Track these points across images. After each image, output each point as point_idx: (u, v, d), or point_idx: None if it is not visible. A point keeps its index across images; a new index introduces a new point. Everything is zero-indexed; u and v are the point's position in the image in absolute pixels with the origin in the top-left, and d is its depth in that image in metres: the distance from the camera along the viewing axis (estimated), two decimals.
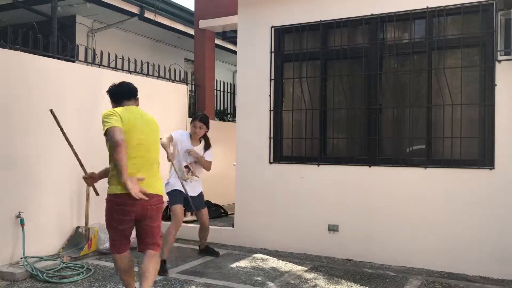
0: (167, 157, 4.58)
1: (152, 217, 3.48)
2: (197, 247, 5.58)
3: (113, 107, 3.61)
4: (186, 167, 5.07)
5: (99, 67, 6.30)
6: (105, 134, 3.28)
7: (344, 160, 5.48)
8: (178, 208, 4.93)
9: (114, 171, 3.35)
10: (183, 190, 4.81)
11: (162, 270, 4.53)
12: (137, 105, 3.78)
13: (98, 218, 5.65)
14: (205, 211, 5.25)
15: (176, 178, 4.89)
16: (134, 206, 3.32)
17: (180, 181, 4.77)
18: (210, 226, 5.45)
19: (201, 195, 5.24)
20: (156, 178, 3.54)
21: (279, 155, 5.86)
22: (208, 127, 5.19)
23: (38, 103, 5.10)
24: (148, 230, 3.49)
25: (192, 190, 5.01)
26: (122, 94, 3.67)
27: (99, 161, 5.80)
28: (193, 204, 4.90)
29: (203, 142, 5.21)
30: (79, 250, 5.27)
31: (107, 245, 5.32)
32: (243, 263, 5.11)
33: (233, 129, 6.17)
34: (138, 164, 3.39)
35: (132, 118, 3.46)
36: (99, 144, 5.80)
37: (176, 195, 4.95)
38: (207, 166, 5.18)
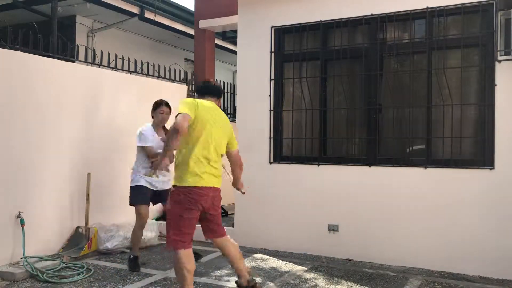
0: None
1: (216, 206, 3.76)
2: (195, 247, 5.52)
3: None
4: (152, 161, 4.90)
5: (99, 67, 6.30)
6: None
7: (344, 160, 5.48)
8: (143, 208, 4.83)
9: (182, 164, 3.55)
10: (150, 186, 4.81)
11: (135, 266, 4.74)
12: (218, 105, 4.00)
13: (98, 218, 5.66)
14: None
15: (140, 173, 4.84)
16: (205, 196, 3.56)
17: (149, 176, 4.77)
18: None
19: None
20: (220, 173, 3.77)
21: (279, 155, 5.86)
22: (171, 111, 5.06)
23: (38, 103, 5.10)
24: (213, 219, 3.78)
25: (158, 184, 4.91)
26: (206, 89, 3.95)
27: (99, 161, 5.84)
28: (163, 196, 4.80)
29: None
30: (79, 250, 5.27)
31: (107, 245, 5.33)
32: None
33: (233, 129, 6.16)
34: (204, 154, 3.58)
35: (209, 111, 3.68)
36: (100, 144, 5.84)
37: (142, 192, 4.84)
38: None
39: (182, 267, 3.47)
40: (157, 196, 4.95)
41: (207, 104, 3.73)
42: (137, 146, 4.91)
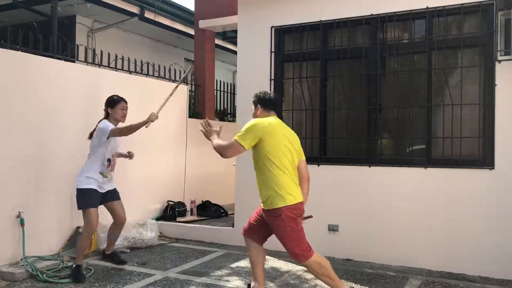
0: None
1: None
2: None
3: (257, 113, 3.75)
4: (108, 160, 4.60)
5: (99, 67, 6.30)
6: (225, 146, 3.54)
7: (344, 160, 5.48)
8: (94, 212, 4.45)
9: (272, 185, 3.47)
10: (99, 190, 4.52)
11: (79, 275, 4.36)
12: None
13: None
14: (120, 203, 4.78)
15: (95, 174, 4.50)
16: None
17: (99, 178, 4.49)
18: (210, 226, 5.40)
19: (116, 189, 4.79)
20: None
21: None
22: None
23: (38, 103, 5.10)
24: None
25: (107, 185, 4.65)
26: (272, 103, 3.79)
27: None
28: (108, 196, 4.62)
29: None
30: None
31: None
32: (243, 263, 5.11)
33: (233, 129, 6.16)
34: (288, 173, 3.52)
35: (285, 130, 3.65)
36: None
37: (93, 196, 4.47)
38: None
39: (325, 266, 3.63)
40: (102, 198, 4.63)
41: (280, 123, 3.70)
42: (94, 144, 4.55)
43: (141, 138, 6.46)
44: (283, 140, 3.54)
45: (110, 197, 4.67)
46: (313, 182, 5.57)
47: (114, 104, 4.67)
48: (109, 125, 4.50)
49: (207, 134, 3.71)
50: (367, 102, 5.39)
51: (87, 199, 4.45)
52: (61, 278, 4.43)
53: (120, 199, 4.77)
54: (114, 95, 4.75)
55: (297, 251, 3.48)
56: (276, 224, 3.48)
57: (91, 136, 4.69)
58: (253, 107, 3.81)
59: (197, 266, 5.02)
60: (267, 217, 3.57)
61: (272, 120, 3.60)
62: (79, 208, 4.51)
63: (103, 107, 4.75)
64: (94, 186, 4.48)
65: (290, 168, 3.53)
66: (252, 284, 3.79)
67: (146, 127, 4.50)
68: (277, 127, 3.56)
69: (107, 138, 4.50)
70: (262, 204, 3.61)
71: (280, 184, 3.45)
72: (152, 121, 4.54)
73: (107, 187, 4.65)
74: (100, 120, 4.68)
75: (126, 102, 4.75)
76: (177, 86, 4.90)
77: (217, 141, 3.61)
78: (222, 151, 3.52)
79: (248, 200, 5.96)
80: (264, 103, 3.74)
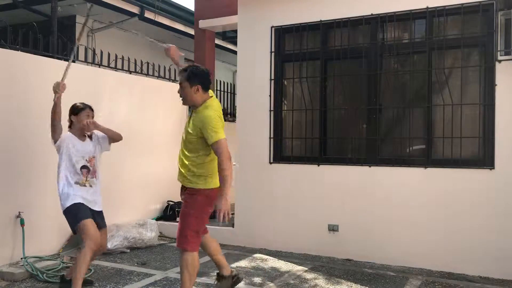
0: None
1: None
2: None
3: (196, 94, 3.53)
4: (84, 167, 4.04)
5: (99, 67, 6.29)
6: (215, 143, 3.39)
7: (344, 160, 5.48)
8: (90, 222, 3.87)
9: (203, 169, 3.53)
10: (86, 203, 3.97)
11: None
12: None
13: None
14: (105, 231, 4.20)
15: (72, 187, 3.95)
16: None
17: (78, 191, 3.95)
18: (210, 226, 5.39)
19: (102, 212, 4.19)
20: None
21: (279, 155, 5.86)
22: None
23: (38, 103, 5.09)
24: None
25: (94, 200, 4.08)
26: (208, 82, 3.60)
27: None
28: (94, 220, 3.96)
29: (90, 136, 4.24)
30: (79, 250, 5.25)
31: (107, 245, 5.31)
32: (243, 263, 5.10)
33: (233, 129, 6.17)
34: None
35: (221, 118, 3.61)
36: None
37: (81, 209, 3.91)
38: (117, 136, 4.29)
39: (195, 268, 3.55)
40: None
41: (219, 108, 3.65)
42: (60, 154, 4.04)
43: (141, 138, 6.48)
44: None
45: (97, 223, 4.00)
46: (313, 182, 5.63)
47: (77, 111, 4.14)
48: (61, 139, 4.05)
49: None
50: (367, 102, 5.39)
51: (77, 213, 3.88)
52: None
53: (106, 226, 4.20)
54: (78, 103, 4.22)
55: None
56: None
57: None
58: (186, 83, 3.50)
59: None
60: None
61: (219, 107, 3.63)
62: (73, 229, 3.96)
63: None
64: (80, 200, 3.94)
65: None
66: (218, 272, 3.96)
67: (54, 100, 4.05)
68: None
69: (55, 144, 4.08)
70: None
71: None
72: (57, 92, 4.04)
73: (93, 206, 4.05)
74: None
75: (92, 110, 4.22)
76: (79, 37, 4.40)
77: (226, 169, 3.40)
78: (228, 160, 3.42)
79: (248, 200, 5.97)
80: (205, 83, 3.53)
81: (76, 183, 3.98)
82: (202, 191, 3.54)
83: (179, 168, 3.66)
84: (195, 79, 3.50)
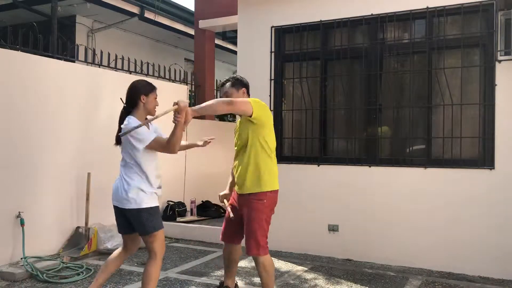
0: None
1: None
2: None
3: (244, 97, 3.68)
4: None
5: (99, 67, 6.30)
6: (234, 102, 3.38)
7: (344, 160, 5.48)
8: (163, 233, 3.51)
9: (273, 168, 3.52)
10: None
11: None
12: None
13: (98, 218, 5.65)
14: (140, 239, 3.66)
15: (152, 188, 3.45)
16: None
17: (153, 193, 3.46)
18: (210, 226, 5.38)
19: None
20: None
21: (279, 155, 5.84)
22: None
23: (38, 103, 5.10)
24: None
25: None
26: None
27: (99, 161, 5.83)
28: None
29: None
30: (79, 250, 5.27)
31: (107, 245, 5.32)
32: (243, 263, 5.10)
33: (233, 129, 6.16)
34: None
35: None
36: (100, 144, 5.84)
37: (159, 215, 3.53)
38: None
39: (272, 266, 3.65)
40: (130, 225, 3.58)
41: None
42: (137, 150, 3.53)
43: None
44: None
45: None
46: (313, 182, 5.62)
47: (149, 91, 3.60)
48: (133, 127, 3.46)
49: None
50: (367, 102, 5.39)
51: (158, 218, 3.44)
52: (61, 278, 4.43)
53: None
54: (143, 80, 3.67)
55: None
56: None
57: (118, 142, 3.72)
58: (233, 90, 3.65)
59: (197, 266, 5.02)
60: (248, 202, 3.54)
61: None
62: (149, 232, 3.36)
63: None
64: (156, 204, 3.47)
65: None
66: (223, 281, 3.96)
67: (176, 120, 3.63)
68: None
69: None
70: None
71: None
72: (181, 109, 3.49)
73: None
74: (124, 116, 3.64)
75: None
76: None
77: (213, 103, 3.43)
78: (225, 104, 3.39)
79: None
80: (248, 88, 3.79)
81: (159, 187, 3.53)
82: (268, 195, 3.49)
83: (241, 177, 3.56)
84: (239, 84, 3.71)
